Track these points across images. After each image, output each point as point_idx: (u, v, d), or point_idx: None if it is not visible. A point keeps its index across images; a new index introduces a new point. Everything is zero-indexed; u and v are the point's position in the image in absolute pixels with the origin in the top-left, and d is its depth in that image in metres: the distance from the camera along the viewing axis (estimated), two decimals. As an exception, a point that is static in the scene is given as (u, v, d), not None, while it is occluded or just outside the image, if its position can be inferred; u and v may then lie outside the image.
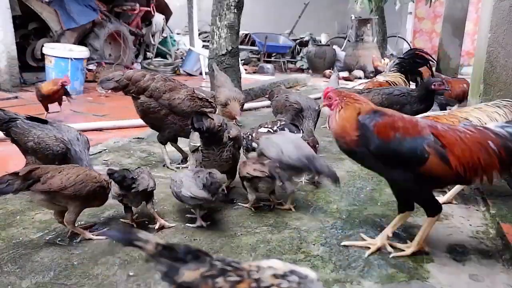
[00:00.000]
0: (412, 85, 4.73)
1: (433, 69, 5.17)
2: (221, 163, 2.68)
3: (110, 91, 3.38)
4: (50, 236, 2.22)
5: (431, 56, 4.81)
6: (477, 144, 1.91)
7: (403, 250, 2.13)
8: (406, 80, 4.57)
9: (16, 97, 6.19)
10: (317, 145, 3.18)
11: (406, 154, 1.91)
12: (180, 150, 3.57)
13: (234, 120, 4.38)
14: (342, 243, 2.21)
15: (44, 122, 2.80)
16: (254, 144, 2.92)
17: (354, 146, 2.01)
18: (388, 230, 2.17)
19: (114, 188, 2.27)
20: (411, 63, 4.62)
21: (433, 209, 2.06)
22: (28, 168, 2.07)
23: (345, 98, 2.10)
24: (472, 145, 1.91)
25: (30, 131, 2.69)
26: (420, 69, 4.68)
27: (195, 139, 2.73)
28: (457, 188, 2.80)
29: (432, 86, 3.57)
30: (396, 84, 4.47)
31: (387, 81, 4.48)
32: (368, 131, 1.95)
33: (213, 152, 2.64)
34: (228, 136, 2.65)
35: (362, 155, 2.03)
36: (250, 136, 3.01)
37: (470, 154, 1.89)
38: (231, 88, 4.59)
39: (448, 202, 2.80)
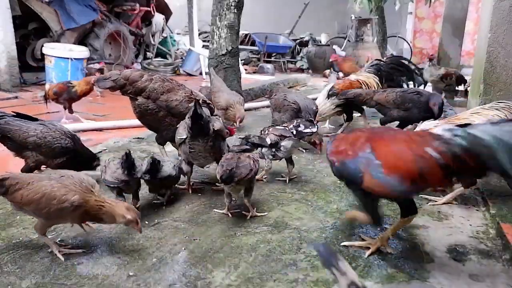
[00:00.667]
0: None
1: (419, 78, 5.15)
2: (205, 154, 2.75)
3: (106, 89, 3.32)
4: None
5: (416, 67, 4.70)
6: (411, 154, 1.82)
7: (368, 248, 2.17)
8: (379, 83, 4.50)
9: (16, 97, 6.19)
10: (322, 142, 3.19)
11: (347, 176, 2.00)
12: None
13: (237, 123, 4.39)
14: (342, 243, 2.21)
15: (35, 119, 2.81)
16: (268, 140, 2.99)
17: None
18: (389, 233, 2.16)
19: (115, 174, 2.39)
20: (390, 69, 4.54)
21: (374, 221, 2.10)
22: (2, 176, 1.98)
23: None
24: (408, 155, 1.83)
25: (28, 127, 2.69)
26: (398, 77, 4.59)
27: (181, 132, 2.76)
28: (459, 189, 2.79)
29: (430, 104, 3.62)
30: (368, 85, 4.40)
31: (358, 80, 4.42)
32: (328, 157, 2.11)
33: (198, 143, 2.69)
34: (213, 129, 2.67)
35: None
36: (265, 134, 3.06)
37: (405, 165, 1.82)
38: (229, 92, 4.59)
39: (448, 202, 2.80)
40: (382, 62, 4.59)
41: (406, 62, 4.56)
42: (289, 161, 3.12)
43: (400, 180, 1.82)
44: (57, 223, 2.14)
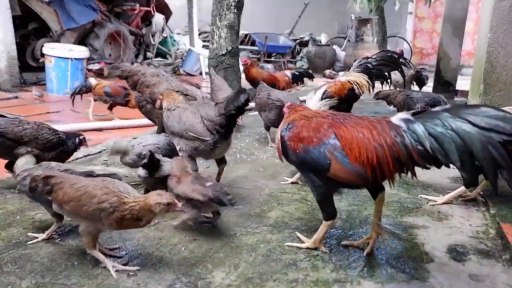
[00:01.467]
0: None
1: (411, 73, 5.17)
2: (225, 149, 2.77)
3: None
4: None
5: (405, 60, 4.71)
6: (373, 141, 1.83)
7: (302, 242, 2.19)
8: (369, 81, 4.50)
9: (16, 97, 6.19)
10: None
11: (312, 163, 1.96)
12: None
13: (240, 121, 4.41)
14: (342, 243, 2.21)
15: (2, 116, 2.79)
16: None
17: (286, 158, 2.13)
18: (375, 219, 2.13)
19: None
20: (379, 65, 4.53)
21: (328, 215, 2.09)
22: (47, 174, 1.96)
23: (291, 110, 2.22)
24: (369, 142, 1.84)
25: (20, 121, 2.71)
26: (387, 73, 4.60)
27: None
28: (460, 189, 2.79)
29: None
30: (359, 84, 4.42)
31: (348, 81, 4.44)
32: (284, 143, 2.07)
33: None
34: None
35: (292, 163, 2.15)
36: None
37: (366, 152, 1.84)
38: (230, 91, 4.60)
39: (448, 202, 2.80)
40: (370, 59, 4.58)
41: (395, 56, 4.55)
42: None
43: (364, 168, 1.84)
44: (98, 228, 1.93)
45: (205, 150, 2.67)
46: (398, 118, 1.84)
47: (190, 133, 2.66)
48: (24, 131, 2.64)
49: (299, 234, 2.28)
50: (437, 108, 1.77)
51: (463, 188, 2.78)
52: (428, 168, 1.81)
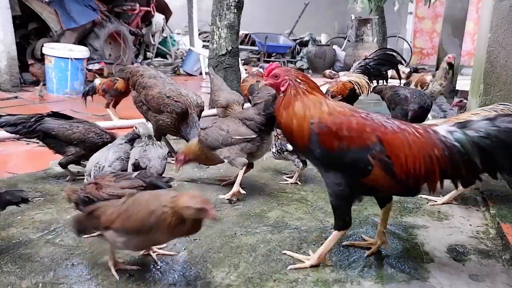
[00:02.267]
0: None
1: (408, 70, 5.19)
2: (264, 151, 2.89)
3: None
4: (50, 236, 2.22)
5: (402, 58, 4.72)
6: (422, 151, 1.78)
7: (303, 262, 2.01)
8: (369, 82, 4.54)
9: (16, 97, 6.19)
10: None
11: (349, 165, 1.82)
12: (167, 143, 3.78)
13: None
14: (343, 243, 2.21)
15: (69, 118, 3.07)
16: (288, 146, 3.01)
17: (303, 148, 1.93)
18: (381, 227, 2.14)
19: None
20: (377, 65, 4.56)
21: (343, 224, 1.96)
22: (92, 208, 1.86)
23: (299, 81, 1.93)
24: (417, 152, 1.78)
25: (71, 125, 2.96)
26: (385, 72, 4.62)
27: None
28: (459, 189, 2.79)
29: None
30: (359, 85, 4.47)
31: (350, 81, 4.48)
32: (314, 137, 1.85)
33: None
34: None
35: (308, 156, 2.02)
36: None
37: (414, 162, 1.77)
38: (229, 91, 4.60)
39: (448, 202, 2.80)
40: (367, 60, 4.60)
41: (393, 54, 4.57)
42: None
43: (407, 178, 1.78)
44: (147, 242, 1.82)
45: (253, 149, 2.76)
46: (444, 129, 1.81)
47: (236, 137, 2.74)
48: (73, 135, 2.93)
49: (293, 254, 2.09)
50: (479, 119, 1.79)
51: (461, 188, 2.78)
52: (476, 181, 1.89)
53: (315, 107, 1.88)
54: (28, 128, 2.89)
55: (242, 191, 2.78)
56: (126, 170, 2.50)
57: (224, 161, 2.84)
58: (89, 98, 5.05)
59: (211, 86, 4.72)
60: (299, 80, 1.94)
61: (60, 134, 2.92)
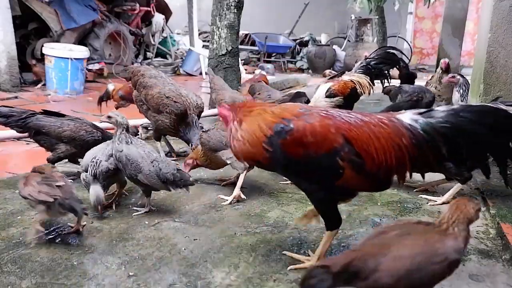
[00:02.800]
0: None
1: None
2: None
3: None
4: (50, 236, 2.22)
5: (403, 55, 4.74)
6: (390, 141, 1.73)
7: (303, 262, 2.00)
8: (370, 82, 4.57)
9: (16, 97, 6.19)
10: None
11: (318, 171, 1.75)
12: (167, 143, 3.81)
13: None
14: (343, 244, 2.21)
15: (62, 115, 3.05)
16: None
17: (266, 162, 1.82)
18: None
19: None
20: (378, 64, 4.59)
21: (333, 224, 1.92)
22: (344, 259, 1.38)
23: (239, 108, 1.88)
24: (386, 143, 1.72)
25: (62, 122, 2.94)
26: (386, 71, 4.64)
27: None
28: (457, 187, 2.80)
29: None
30: (361, 84, 4.49)
31: (351, 80, 4.51)
32: (277, 149, 1.75)
33: None
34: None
35: (275, 168, 1.92)
36: None
37: (384, 154, 1.72)
38: (231, 90, 4.60)
39: (448, 202, 2.80)
40: (368, 60, 4.62)
41: (393, 53, 4.59)
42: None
43: (379, 171, 1.74)
44: None
45: None
46: (409, 117, 1.76)
47: None
48: (64, 133, 2.91)
49: (293, 254, 2.08)
50: (444, 108, 1.77)
51: (459, 185, 2.79)
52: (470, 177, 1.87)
53: (263, 120, 1.79)
54: (18, 122, 2.89)
55: (243, 196, 2.77)
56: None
57: (227, 164, 2.83)
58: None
59: (211, 86, 4.71)
60: (239, 109, 1.89)
61: (51, 132, 2.91)
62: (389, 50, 4.54)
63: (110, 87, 4.74)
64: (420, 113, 1.77)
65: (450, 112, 1.73)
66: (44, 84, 6.92)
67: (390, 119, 1.78)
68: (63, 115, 3.06)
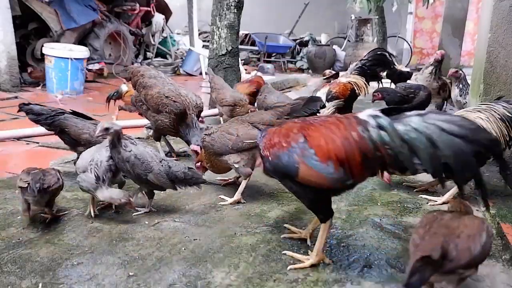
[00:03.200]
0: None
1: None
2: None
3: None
4: (50, 236, 2.22)
5: (392, 57, 4.77)
6: (339, 134, 1.77)
7: (302, 262, 2.00)
8: (366, 83, 4.62)
9: (16, 97, 6.19)
10: None
11: (283, 169, 1.89)
12: (167, 143, 3.83)
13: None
14: (342, 245, 2.21)
15: (89, 118, 3.13)
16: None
17: (264, 169, 2.06)
18: (311, 226, 2.13)
19: None
20: (372, 65, 4.63)
21: (324, 215, 1.97)
22: (436, 245, 1.48)
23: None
24: (336, 137, 1.77)
25: (83, 125, 3.02)
26: (380, 72, 4.68)
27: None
28: (456, 187, 2.80)
29: None
30: (358, 86, 4.54)
31: (349, 82, 4.55)
32: (261, 154, 2.02)
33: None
34: None
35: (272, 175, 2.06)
36: None
37: (333, 148, 1.76)
38: (232, 90, 4.61)
39: (448, 202, 2.80)
40: (363, 61, 4.66)
41: (384, 54, 4.63)
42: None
43: (333, 166, 1.75)
44: None
45: None
46: (366, 114, 1.78)
47: (248, 141, 2.67)
48: (82, 135, 2.99)
49: (293, 254, 2.08)
50: (410, 113, 1.71)
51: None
52: (394, 172, 1.83)
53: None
54: (47, 120, 3.03)
55: (243, 200, 2.77)
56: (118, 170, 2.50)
57: (231, 169, 2.79)
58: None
59: (212, 85, 4.70)
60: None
61: (72, 132, 3.01)
62: (379, 52, 4.60)
63: (124, 88, 4.68)
64: (382, 111, 1.76)
65: (415, 115, 1.67)
66: (45, 85, 6.92)
67: (346, 116, 1.86)
68: (90, 118, 3.14)
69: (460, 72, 4.65)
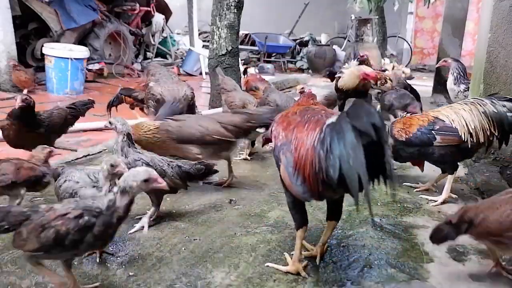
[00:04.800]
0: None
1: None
2: None
3: None
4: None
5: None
6: (307, 142, 1.67)
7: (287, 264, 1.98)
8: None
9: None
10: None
11: (277, 163, 1.86)
12: None
13: None
14: (342, 244, 2.21)
15: None
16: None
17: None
18: (322, 239, 2.06)
19: None
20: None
21: (297, 223, 1.92)
22: (460, 213, 1.87)
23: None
24: (305, 143, 1.68)
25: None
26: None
27: None
28: (450, 178, 2.79)
29: None
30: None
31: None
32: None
33: None
34: None
35: None
36: None
37: (299, 154, 1.68)
38: (243, 92, 4.56)
39: (448, 198, 2.80)
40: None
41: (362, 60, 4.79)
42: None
43: (297, 173, 1.67)
44: None
45: (225, 149, 2.94)
46: (332, 118, 1.66)
47: (216, 136, 2.84)
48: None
49: (287, 255, 2.06)
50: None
51: (450, 176, 2.78)
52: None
53: None
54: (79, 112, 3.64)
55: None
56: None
57: (180, 157, 2.86)
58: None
59: (222, 86, 4.59)
60: None
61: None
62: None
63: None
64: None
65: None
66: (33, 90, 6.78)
67: (327, 115, 1.80)
68: None
69: (450, 61, 4.67)
